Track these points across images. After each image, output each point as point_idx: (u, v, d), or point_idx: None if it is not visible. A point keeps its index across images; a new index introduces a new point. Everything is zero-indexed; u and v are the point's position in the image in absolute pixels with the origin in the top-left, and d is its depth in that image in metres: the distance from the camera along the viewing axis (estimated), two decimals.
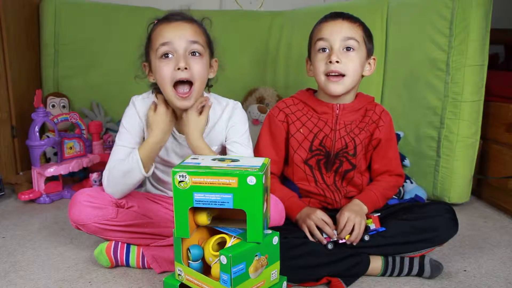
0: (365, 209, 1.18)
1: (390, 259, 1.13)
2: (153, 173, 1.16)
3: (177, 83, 1.09)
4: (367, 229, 1.13)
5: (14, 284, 1.10)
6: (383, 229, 1.13)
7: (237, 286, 0.86)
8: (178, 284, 0.96)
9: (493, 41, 1.60)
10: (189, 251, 0.94)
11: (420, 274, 1.14)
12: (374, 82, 1.87)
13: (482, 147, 1.69)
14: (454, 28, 1.55)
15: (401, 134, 1.74)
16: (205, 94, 1.20)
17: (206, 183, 0.87)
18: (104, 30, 2.10)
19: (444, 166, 1.63)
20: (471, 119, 1.58)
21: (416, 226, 1.12)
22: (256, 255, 0.88)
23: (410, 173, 1.73)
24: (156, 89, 1.17)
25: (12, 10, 1.78)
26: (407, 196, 1.62)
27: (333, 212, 1.17)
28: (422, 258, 1.14)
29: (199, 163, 0.91)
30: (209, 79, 1.18)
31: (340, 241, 1.11)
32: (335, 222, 1.14)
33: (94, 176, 1.73)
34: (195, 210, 0.93)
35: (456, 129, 1.59)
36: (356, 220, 1.11)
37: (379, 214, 1.18)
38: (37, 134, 1.65)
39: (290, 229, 1.14)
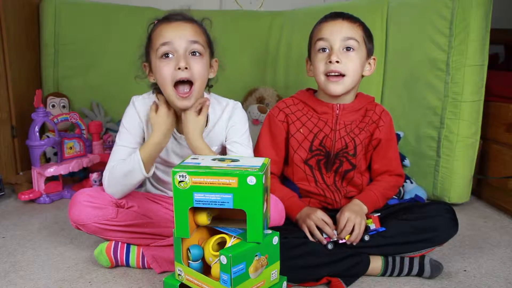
0: (365, 209, 1.18)
1: (390, 259, 1.13)
2: (153, 173, 1.16)
3: (178, 83, 1.09)
4: (367, 229, 1.13)
5: (14, 284, 1.10)
6: (383, 229, 1.13)
7: (237, 286, 0.86)
8: (178, 284, 0.96)
9: (493, 41, 1.60)
10: (189, 251, 0.94)
11: (420, 274, 1.14)
12: (374, 82, 1.87)
13: (482, 147, 1.69)
14: (454, 28, 1.55)
15: (401, 134, 1.74)
16: (205, 94, 1.20)
17: (206, 183, 0.87)
18: (104, 30, 2.10)
19: (444, 166, 1.63)
20: (471, 119, 1.58)
21: (416, 226, 1.12)
22: (256, 255, 0.89)
23: (410, 173, 1.73)
24: (156, 89, 1.17)
25: (12, 10, 1.78)
26: (407, 196, 1.62)
27: (333, 212, 1.17)
28: (422, 258, 1.14)
29: (199, 163, 0.91)
30: (209, 79, 1.18)
31: (340, 241, 1.11)
32: (335, 222, 1.14)
33: (94, 176, 1.73)
34: (195, 210, 0.93)
35: (456, 129, 1.59)
36: (356, 220, 1.11)
37: (379, 214, 1.18)
38: (37, 134, 1.65)
39: (290, 229, 1.14)
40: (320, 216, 1.12)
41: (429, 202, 1.56)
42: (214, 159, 0.95)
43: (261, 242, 0.89)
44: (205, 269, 0.95)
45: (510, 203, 1.59)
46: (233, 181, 0.86)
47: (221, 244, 0.95)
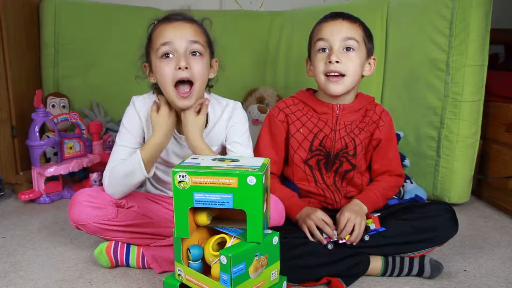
0: (365, 209, 1.18)
1: (390, 259, 1.13)
2: (154, 173, 1.16)
3: (178, 83, 1.09)
4: (367, 229, 1.13)
5: (14, 284, 1.10)
6: (383, 229, 1.13)
7: (237, 286, 0.86)
8: (178, 284, 0.96)
9: (493, 41, 1.60)
10: (189, 251, 0.94)
11: (420, 274, 1.14)
12: (374, 82, 1.87)
13: (482, 147, 1.69)
14: (454, 28, 1.55)
15: (401, 134, 1.74)
16: (206, 95, 1.20)
17: (206, 183, 0.87)
18: (104, 30, 2.10)
19: (444, 166, 1.63)
20: (471, 119, 1.58)
21: (416, 226, 1.12)
22: (256, 255, 0.89)
23: (410, 173, 1.73)
24: (156, 89, 1.17)
25: (12, 10, 1.78)
26: (407, 196, 1.62)
27: (333, 212, 1.17)
28: (422, 258, 1.14)
29: (199, 163, 0.91)
30: (209, 79, 1.18)
31: (340, 241, 1.11)
32: (335, 222, 1.14)
33: (94, 176, 1.73)
34: (195, 210, 0.93)
35: (456, 129, 1.59)
36: (356, 220, 1.11)
37: (379, 214, 1.18)
38: (37, 134, 1.65)
39: (290, 229, 1.14)
40: (320, 216, 1.12)
41: (429, 202, 1.56)
42: (214, 159, 0.95)
43: (261, 242, 0.89)
44: (205, 269, 0.95)
45: (510, 203, 1.59)
46: (233, 181, 0.86)
47: (221, 244, 0.95)
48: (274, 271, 0.94)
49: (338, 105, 1.21)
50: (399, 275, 1.14)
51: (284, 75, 2.19)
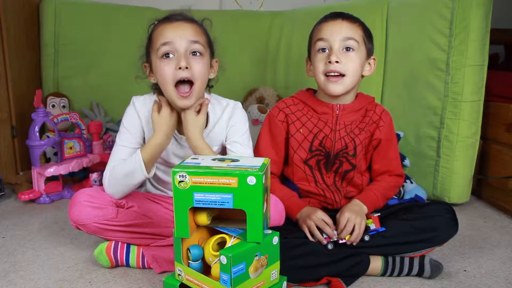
0: (365, 209, 1.18)
1: (390, 259, 1.13)
2: (154, 173, 1.16)
3: (178, 83, 1.09)
4: (367, 229, 1.13)
5: (14, 284, 1.10)
6: (383, 229, 1.13)
7: (237, 286, 0.86)
8: (178, 284, 0.96)
9: (493, 41, 1.60)
10: (189, 251, 0.94)
11: (420, 274, 1.14)
12: (374, 82, 1.87)
13: (482, 147, 1.69)
14: (454, 28, 1.55)
15: (401, 134, 1.74)
16: (206, 95, 1.20)
17: (206, 183, 0.87)
18: (104, 30, 2.10)
19: (444, 166, 1.63)
20: (471, 119, 1.58)
21: (416, 226, 1.12)
22: (256, 255, 0.89)
23: (410, 173, 1.73)
24: (157, 89, 1.17)
25: (12, 10, 1.78)
26: (407, 196, 1.62)
27: (333, 212, 1.17)
28: (422, 258, 1.14)
29: (199, 163, 0.91)
30: (209, 80, 1.18)
31: (340, 241, 1.11)
32: (335, 222, 1.14)
33: (94, 176, 1.73)
34: (195, 210, 0.93)
35: (456, 129, 1.59)
36: (356, 220, 1.11)
37: (379, 214, 1.18)
38: (37, 134, 1.65)
39: (290, 229, 1.14)
40: (320, 216, 1.12)
41: (429, 202, 1.56)
42: (214, 159, 0.95)
43: (261, 242, 0.89)
44: (205, 269, 0.95)
45: (510, 203, 1.59)
46: (233, 181, 0.86)
47: (221, 244, 0.95)
48: (274, 271, 0.94)
49: (338, 105, 1.21)
50: (399, 275, 1.14)
51: (284, 75, 2.19)
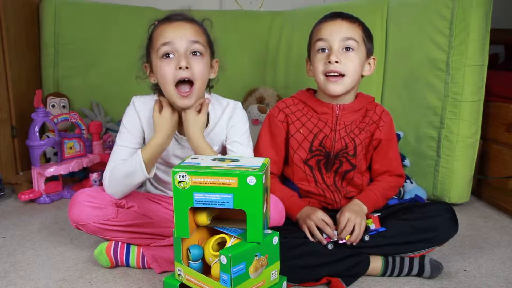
0: (365, 209, 1.18)
1: (390, 259, 1.13)
2: (154, 173, 1.16)
3: (178, 83, 1.09)
4: (367, 229, 1.13)
5: (14, 284, 1.10)
6: (383, 229, 1.13)
7: (237, 286, 0.86)
8: (178, 284, 0.96)
9: (493, 41, 1.60)
10: (189, 251, 0.94)
11: (420, 274, 1.14)
12: (374, 82, 1.87)
13: (482, 147, 1.69)
14: (454, 28, 1.55)
15: (401, 134, 1.74)
16: (206, 95, 1.20)
17: (206, 183, 0.87)
18: (104, 30, 2.10)
19: (444, 166, 1.63)
20: (471, 119, 1.58)
21: (416, 226, 1.12)
22: (256, 255, 0.89)
23: (410, 173, 1.73)
24: (157, 89, 1.17)
25: (12, 10, 1.78)
26: (407, 196, 1.62)
27: (333, 212, 1.17)
28: (422, 258, 1.14)
29: (199, 163, 0.91)
30: (210, 80, 1.18)
31: (340, 241, 1.11)
32: (335, 222, 1.14)
33: (94, 176, 1.73)
34: (195, 210, 0.93)
35: (456, 129, 1.59)
36: (356, 220, 1.11)
37: (379, 214, 1.18)
38: (37, 134, 1.65)
39: (290, 229, 1.14)
40: (321, 216, 1.12)
41: (429, 202, 1.56)
42: (214, 159, 0.95)
43: (261, 242, 0.89)
44: (205, 269, 0.95)
45: (510, 203, 1.59)
46: (233, 181, 0.86)
47: (221, 244, 0.95)
48: (274, 271, 0.94)
49: (338, 105, 1.21)
50: (399, 275, 1.14)
51: (284, 75, 2.19)
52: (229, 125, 1.21)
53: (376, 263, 1.13)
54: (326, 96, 1.22)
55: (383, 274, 1.14)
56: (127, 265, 1.17)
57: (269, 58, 2.25)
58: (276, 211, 1.09)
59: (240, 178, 0.85)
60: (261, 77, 2.25)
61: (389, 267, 1.13)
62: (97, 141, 1.87)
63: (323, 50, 1.18)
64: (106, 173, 1.14)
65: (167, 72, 1.08)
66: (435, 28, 1.61)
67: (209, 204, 0.88)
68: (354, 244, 1.11)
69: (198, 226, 0.96)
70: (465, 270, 1.19)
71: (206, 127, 1.17)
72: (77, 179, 1.88)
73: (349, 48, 1.16)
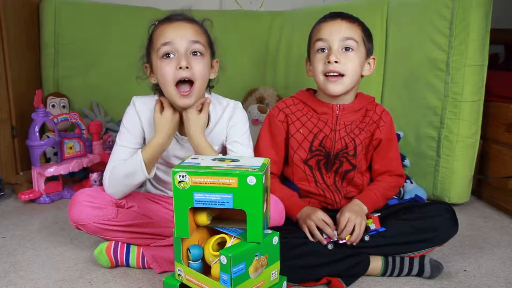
0: (365, 209, 1.18)
1: (390, 259, 1.13)
2: (154, 173, 1.16)
3: (179, 83, 1.09)
4: (367, 229, 1.13)
5: (14, 284, 1.10)
6: (383, 229, 1.13)
7: (237, 286, 0.86)
8: (178, 284, 0.96)
9: (493, 41, 1.60)
10: (189, 251, 0.94)
11: (420, 274, 1.14)
12: (374, 82, 1.87)
13: (482, 147, 1.69)
14: (454, 28, 1.55)
15: (401, 134, 1.74)
16: (206, 95, 1.20)
17: (206, 183, 0.87)
18: (104, 30, 2.10)
19: (444, 166, 1.63)
20: (471, 119, 1.58)
21: (416, 226, 1.12)
22: (256, 255, 0.89)
23: (410, 173, 1.73)
24: (157, 90, 1.17)
25: (12, 10, 1.78)
26: (407, 196, 1.62)
27: (333, 213, 1.17)
28: (422, 258, 1.14)
29: (199, 163, 0.91)
30: (210, 80, 1.18)
31: (341, 242, 1.11)
32: (335, 222, 1.14)
33: (94, 176, 1.73)
34: (195, 210, 0.93)
35: (456, 129, 1.59)
36: (356, 220, 1.11)
37: (379, 214, 1.18)
38: (37, 134, 1.65)
39: (290, 229, 1.14)
40: (321, 216, 1.12)
41: (429, 202, 1.56)
42: (214, 159, 0.95)
43: (261, 242, 0.89)
44: (205, 269, 0.95)
45: (510, 203, 1.59)
46: (233, 181, 0.86)
47: (221, 244, 0.95)
48: (274, 271, 0.94)
49: (338, 105, 1.21)
50: (399, 275, 1.14)
51: (284, 75, 2.19)
52: (229, 125, 1.21)
53: (376, 263, 1.13)
54: (326, 96, 1.22)
55: (383, 274, 1.14)
56: (127, 265, 1.17)
57: (269, 58, 2.25)
58: (276, 211, 1.09)
59: (240, 178, 0.85)
60: (261, 77, 2.25)
61: (389, 267, 1.13)
62: (97, 141, 1.87)
63: (322, 50, 1.18)
64: (106, 173, 1.14)
65: (167, 72, 1.08)
66: (435, 28, 1.61)
67: (209, 204, 0.88)
68: (354, 244, 1.11)
69: (198, 226, 0.96)
70: (465, 270, 1.19)
71: (206, 126, 1.17)
72: (77, 179, 1.88)
73: (348, 48, 1.16)
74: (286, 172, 1.28)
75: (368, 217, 1.16)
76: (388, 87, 1.87)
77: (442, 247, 1.21)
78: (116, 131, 1.95)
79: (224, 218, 0.98)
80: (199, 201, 0.88)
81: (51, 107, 1.92)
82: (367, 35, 1.21)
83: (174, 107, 1.14)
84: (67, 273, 1.15)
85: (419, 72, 1.69)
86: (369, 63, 1.23)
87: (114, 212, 1.11)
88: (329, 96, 1.21)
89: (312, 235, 1.11)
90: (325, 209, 1.21)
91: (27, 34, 1.92)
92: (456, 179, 1.61)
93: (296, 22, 2.16)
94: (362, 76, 1.22)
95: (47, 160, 1.85)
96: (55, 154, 1.80)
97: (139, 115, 1.18)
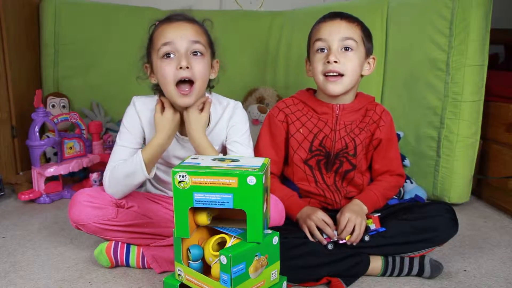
0: (365, 209, 1.18)
1: (390, 259, 1.13)
2: (154, 173, 1.16)
3: (179, 83, 1.09)
4: (367, 229, 1.13)
5: (14, 284, 1.10)
6: (383, 229, 1.13)
7: (237, 286, 0.86)
8: (178, 284, 0.96)
9: (493, 41, 1.60)
10: (189, 251, 0.94)
11: (420, 274, 1.14)
12: (374, 82, 1.87)
13: (482, 147, 1.69)
14: (454, 28, 1.55)
15: (401, 134, 1.74)
16: (207, 95, 1.20)
17: (206, 183, 0.87)
18: (104, 30, 2.11)
19: (444, 166, 1.63)
20: (471, 119, 1.58)
21: (416, 226, 1.12)
22: (256, 255, 0.88)
23: (410, 173, 1.73)
24: (158, 90, 1.17)
25: (12, 10, 1.78)
26: (407, 196, 1.62)
27: (333, 213, 1.17)
28: (422, 258, 1.14)
29: (199, 163, 0.91)
30: (210, 80, 1.18)
31: (341, 242, 1.11)
32: (335, 222, 1.14)
33: (94, 176, 1.73)
34: (195, 210, 0.93)
35: (456, 129, 1.59)
36: (357, 221, 1.11)
37: (379, 214, 1.18)
38: (37, 134, 1.65)
39: (290, 229, 1.14)
40: (321, 216, 1.12)
41: (429, 202, 1.56)
42: (214, 159, 0.95)
43: (261, 242, 0.89)
44: (205, 269, 0.95)
45: (510, 203, 1.59)
46: (233, 181, 0.86)
47: (221, 244, 0.95)
48: (274, 271, 0.94)
49: (338, 105, 1.21)
50: (399, 275, 1.14)
51: (284, 75, 2.19)
52: (229, 125, 1.21)
53: (376, 263, 1.13)
54: (326, 96, 1.22)
55: (383, 274, 1.14)
56: (127, 265, 1.17)
57: (269, 58, 2.25)
58: (276, 211, 1.09)
59: (240, 178, 0.85)
60: (261, 77, 2.25)
61: (389, 267, 1.13)
62: (97, 141, 1.87)
63: (322, 50, 1.18)
64: (106, 173, 1.14)
65: (168, 72, 1.08)
66: (435, 28, 1.61)
67: (209, 204, 0.88)
68: (354, 244, 1.11)
69: (198, 226, 0.96)
70: (465, 270, 1.19)
71: (207, 126, 1.17)
72: (77, 179, 1.88)
73: (348, 48, 1.16)
74: (286, 172, 1.28)
75: (368, 217, 1.16)
76: (388, 87, 1.87)
77: (442, 247, 1.21)
78: (116, 131, 1.95)
79: (224, 218, 0.98)
80: (199, 201, 0.88)
81: (51, 107, 1.92)
82: (367, 35, 1.20)
83: (174, 108, 1.14)
84: (67, 273, 1.15)
85: (419, 72, 1.69)
86: (368, 63, 1.23)
87: (114, 212, 1.11)
88: (329, 96, 1.21)
89: (312, 235, 1.11)
90: (325, 209, 1.21)
91: (27, 34, 1.92)
92: (456, 179, 1.61)
93: (296, 22, 2.16)
94: (362, 76, 1.22)
95: (47, 160, 1.85)
96: (55, 154, 1.80)
97: (139, 115, 1.18)
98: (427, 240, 1.12)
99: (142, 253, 1.16)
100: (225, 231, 0.93)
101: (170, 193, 1.27)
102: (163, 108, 1.13)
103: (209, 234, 0.99)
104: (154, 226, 1.17)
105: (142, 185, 1.33)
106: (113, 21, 2.12)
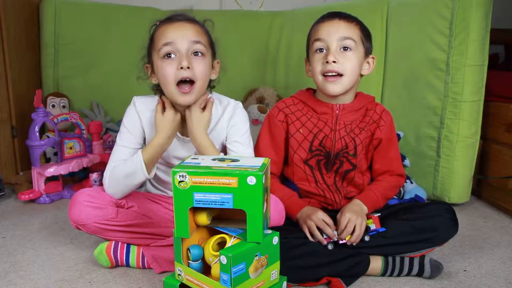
0: (365, 209, 1.18)
1: (390, 259, 1.13)
2: (154, 173, 1.16)
3: (179, 83, 1.09)
4: (367, 229, 1.13)
5: (14, 284, 1.10)
6: (383, 229, 1.13)
7: (237, 286, 0.86)
8: (178, 284, 0.96)
9: (493, 41, 1.60)
10: (189, 251, 0.94)
11: (420, 274, 1.14)
12: (374, 82, 1.87)
13: (482, 147, 1.69)
14: (454, 28, 1.55)
15: (401, 134, 1.74)
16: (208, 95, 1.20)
17: (206, 183, 0.87)
18: (104, 30, 2.11)
19: (444, 166, 1.63)
20: (471, 119, 1.58)
21: (416, 226, 1.12)
22: (256, 255, 0.89)
23: (410, 173, 1.73)
24: (158, 90, 1.17)
25: (12, 10, 1.78)
26: (407, 196, 1.62)
27: (333, 213, 1.17)
28: (422, 258, 1.14)
29: (199, 163, 0.91)
30: (211, 80, 1.18)
31: (341, 242, 1.11)
32: (335, 222, 1.14)
33: (94, 176, 1.73)
34: (195, 210, 0.93)
35: (456, 129, 1.59)
36: (357, 221, 1.11)
37: (379, 214, 1.18)
38: (37, 134, 1.65)
39: (290, 229, 1.14)
40: (321, 216, 1.12)
41: (429, 202, 1.56)
42: (214, 159, 0.95)
43: (261, 242, 0.89)
44: (205, 269, 0.95)
45: (510, 203, 1.59)
46: (233, 181, 0.86)
47: (221, 244, 0.95)
48: (274, 271, 0.94)
49: (337, 105, 1.21)
50: (399, 275, 1.14)
51: (284, 75, 2.19)
52: (230, 124, 1.21)
53: (376, 263, 1.13)
54: (326, 96, 1.21)
55: (383, 274, 1.14)
56: (127, 265, 1.17)
57: (269, 58, 2.25)
58: (276, 211, 1.09)
59: (240, 178, 0.85)
60: (261, 77, 2.25)
61: (389, 267, 1.13)
62: (97, 141, 1.87)
63: (321, 50, 1.17)
64: (106, 173, 1.14)
65: (169, 72, 1.08)
66: (435, 28, 1.61)
67: (209, 204, 0.88)
68: (354, 244, 1.11)
69: (198, 226, 0.96)
70: (465, 270, 1.19)
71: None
72: (77, 179, 1.88)
73: (347, 47, 1.16)
74: (286, 172, 1.28)
75: (368, 217, 1.16)
76: (388, 87, 1.87)
77: (442, 247, 1.21)
78: (116, 131, 1.95)
79: (224, 218, 0.98)
80: (199, 201, 0.88)
81: (51, 107, 1.92)
82: (366, 35, 1.20)
83: (175, 108, 1.14)
84: (67, 273, 1.15)
85: (419, 72, 1.69)
86: (368, 63, 1.23)
87: (114, 212, 1.11)
88: (328, 96, 1.21)
89: (312, 235, 1.11)
90: (325, 209, 1.21)
91: (27, 34, 1.92)
92: (456, 179, 1.61)
93: (296, 22, 2.16)
94: (361, 75, 1.22)
95: (47, 160, 1.85)
96: (55, 154, 1.80)
97: (140, 115, 1.18)
98: (427, 240, 1.12)
99: (142, 253, 1.16)
100: (225, 231, 0.93)
101: (170, 193, 1.27)
102: (163, 108, 1.13)
103: (209, 234, 0.99)
104: (154, 226, 1.17)
105: (142, 185, 1.33)
106: (113, 21, 2.12)
